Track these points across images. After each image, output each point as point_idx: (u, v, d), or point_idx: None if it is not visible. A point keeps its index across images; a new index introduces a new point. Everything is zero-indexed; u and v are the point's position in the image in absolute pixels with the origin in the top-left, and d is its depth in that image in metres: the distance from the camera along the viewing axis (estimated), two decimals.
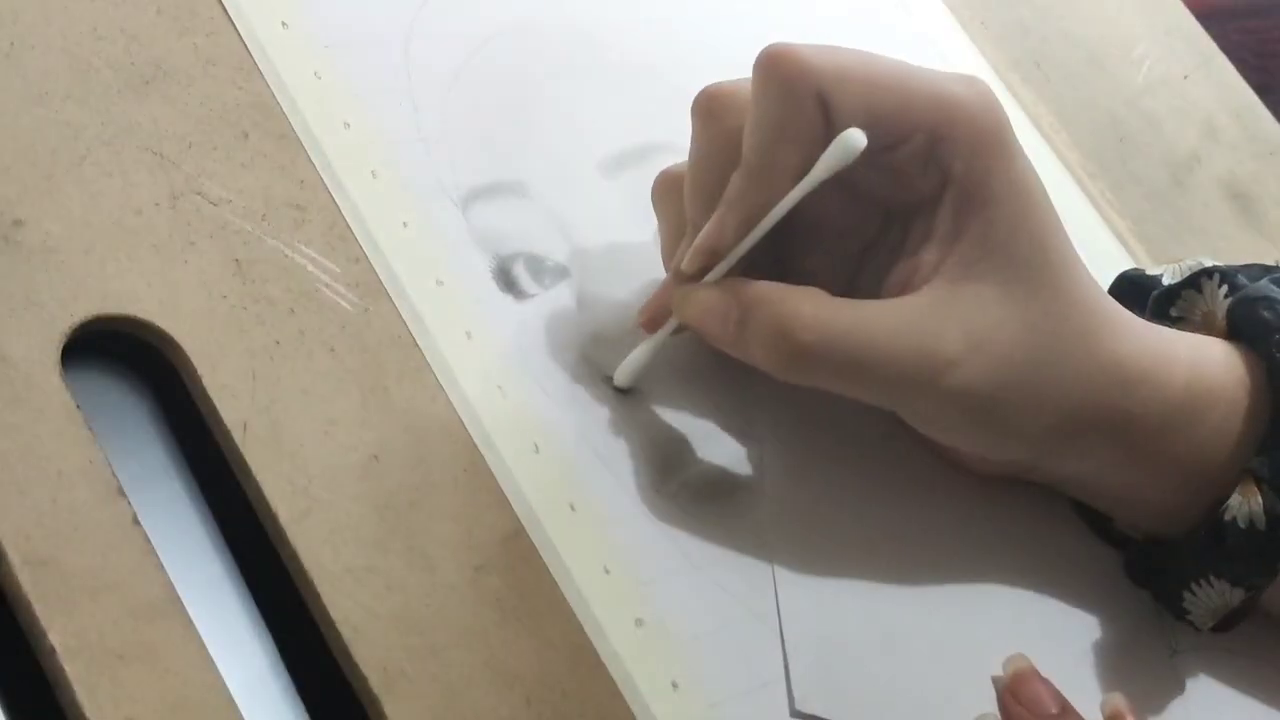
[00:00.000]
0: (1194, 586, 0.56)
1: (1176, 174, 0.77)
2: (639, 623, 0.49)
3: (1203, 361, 0.56)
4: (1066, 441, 0.54)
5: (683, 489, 0.53)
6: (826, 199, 0.52)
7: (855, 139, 0.50)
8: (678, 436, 0.54)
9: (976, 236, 0.52)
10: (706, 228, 0.52)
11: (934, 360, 0.51)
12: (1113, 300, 0.55)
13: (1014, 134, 0.53)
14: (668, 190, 0.55)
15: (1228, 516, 0.54)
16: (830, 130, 0.51)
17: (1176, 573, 0.56)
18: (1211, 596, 0.56)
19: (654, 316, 0.54)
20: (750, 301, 0.52)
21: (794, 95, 0.51)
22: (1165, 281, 0.60)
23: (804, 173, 0.51)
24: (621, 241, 0.57)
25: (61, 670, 0.42)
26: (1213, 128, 0.80)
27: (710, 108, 0.54)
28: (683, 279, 0.53)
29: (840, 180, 0.51)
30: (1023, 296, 0.52)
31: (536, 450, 0.51)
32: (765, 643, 0.51)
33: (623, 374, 0.54)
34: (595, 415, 0.53)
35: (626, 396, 0.54)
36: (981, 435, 0.54)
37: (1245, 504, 0.54)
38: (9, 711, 0.43)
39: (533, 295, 0.55)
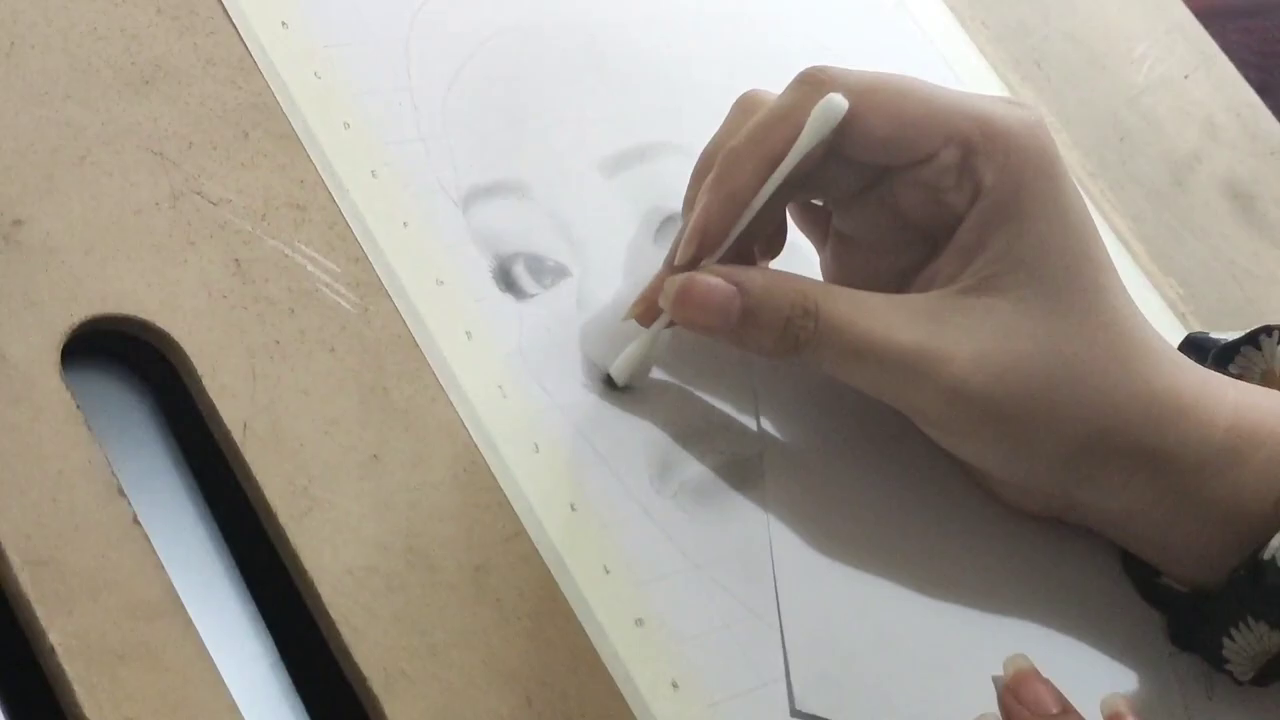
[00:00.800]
0: (1233, 631, 0.54)
1: (1177, 174, 0.77)
2: (639, 622, 0.49)
3: (1249, 405, 0.55)
4: (1094, 470, 0.53)
5: (683, 489, 0.53)
6: (865, 218, 0.52)
7: (837, 102, 0.51)
8: (678, 436, 0.54)
9: (999, 250, 0.52)
10: (695, 212, 0.52)
11: (931, 355, 0.51)
12: (1157, 334, 0.54)
13: (1060, 159, 0.53)
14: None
15: (1266, 555, 0.53)
16: (858, 142, 0.52)
17: (1216, 619, 0.55)
18: (1250, 641, 0.54)
19: (647, 309, 0.53)
20: (751, 288, 0.52)
21: (813, 92, 0.51)
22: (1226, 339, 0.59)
23: (769, 185, 0.52)
24: (622, 241, 0.57)
25: (61, 670, 0.42)
26: (1213, 127, 0.80)
27: (743, 102, 0.55)
28: (676, 270, 0.53)
29: (880, 200, 0.52)
30: (1042, 315, 0.52)
31: (536, 450, 0.51)
32: (765, 642, 0.51)
33: (619, 370, 0.53)
34: (595, 415, 0.53)
35: (626, 396, 0.54)
36: (995, 448, 0.53)
37: None
38: (9, 711, 0.43)
39: (533, 295, 0.55)
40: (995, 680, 0.52)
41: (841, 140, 0.52)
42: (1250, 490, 0.54)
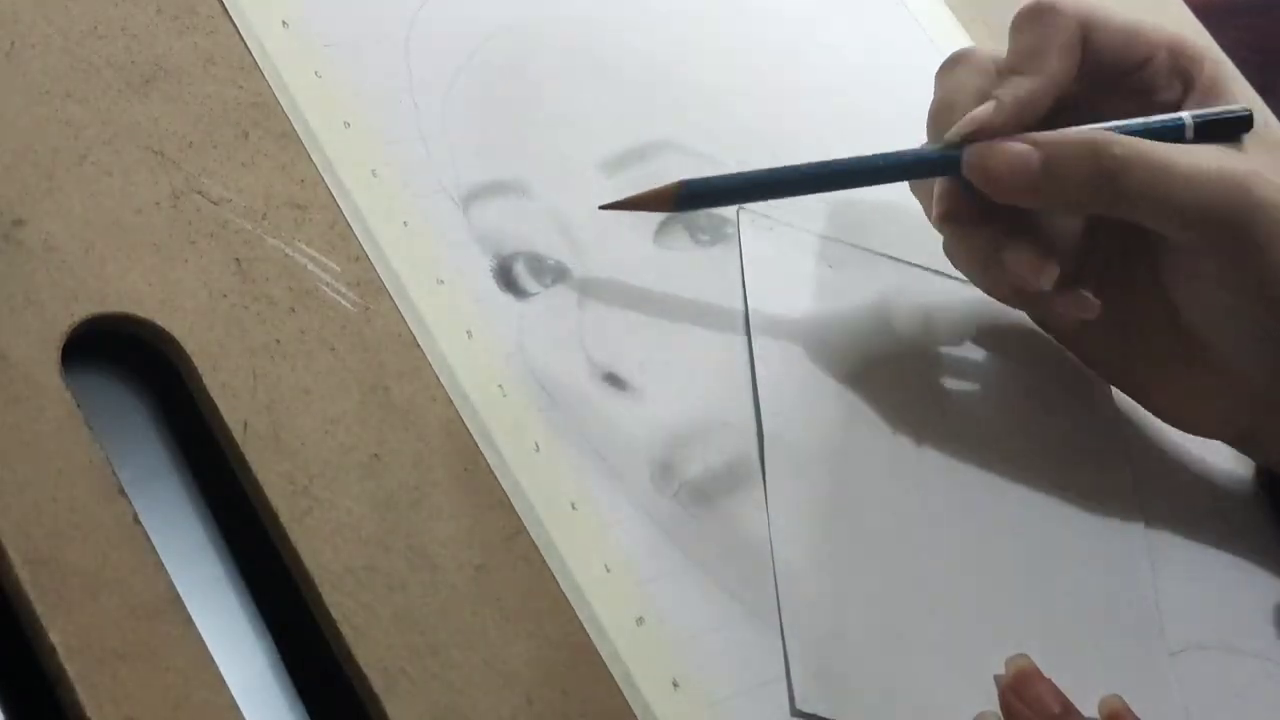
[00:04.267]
0: None
1: None
2: (640, 621, 0.49)
3: None
4: None
5: (683, 488, 0.53)
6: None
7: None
8: (678, 436, 0.54)
9: None
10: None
11: (1240, 172, 0.55)
12: None
13: None
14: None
15: None
16: (1092, 48, 0.57)
17: None
18: None
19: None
20: (1043, 140, 0.56)
21: (1061, 17, 0.57)
22: None
23: (1061, 88, 0.57)
24: (622, 241, 0.57)
25: (62, 669, 0.42)
26: None
27: (953, 59, 0.59)
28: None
29: (1097, 111, 0.57)
30: None
31: (537, 449, 0.51)
32: (766, 642, 0.51)
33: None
34: (596, 414, 0.53)
35: (627, 395, 0.54)
36: (1275, 286, 0.55)
37: None
38: (9, 711, 0.43)
39: (533, 294, 0.55)
40: (997, 679, 0.52)
41: (1085, 53, 0.57)
42: None
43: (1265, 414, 0.59)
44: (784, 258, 0.60)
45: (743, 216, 0.60)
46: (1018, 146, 0.56)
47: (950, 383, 0.61)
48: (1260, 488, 0.62)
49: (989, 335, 0.63)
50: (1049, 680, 0.53)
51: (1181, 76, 0.59)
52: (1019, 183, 0.55)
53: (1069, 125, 0.57)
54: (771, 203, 0.60)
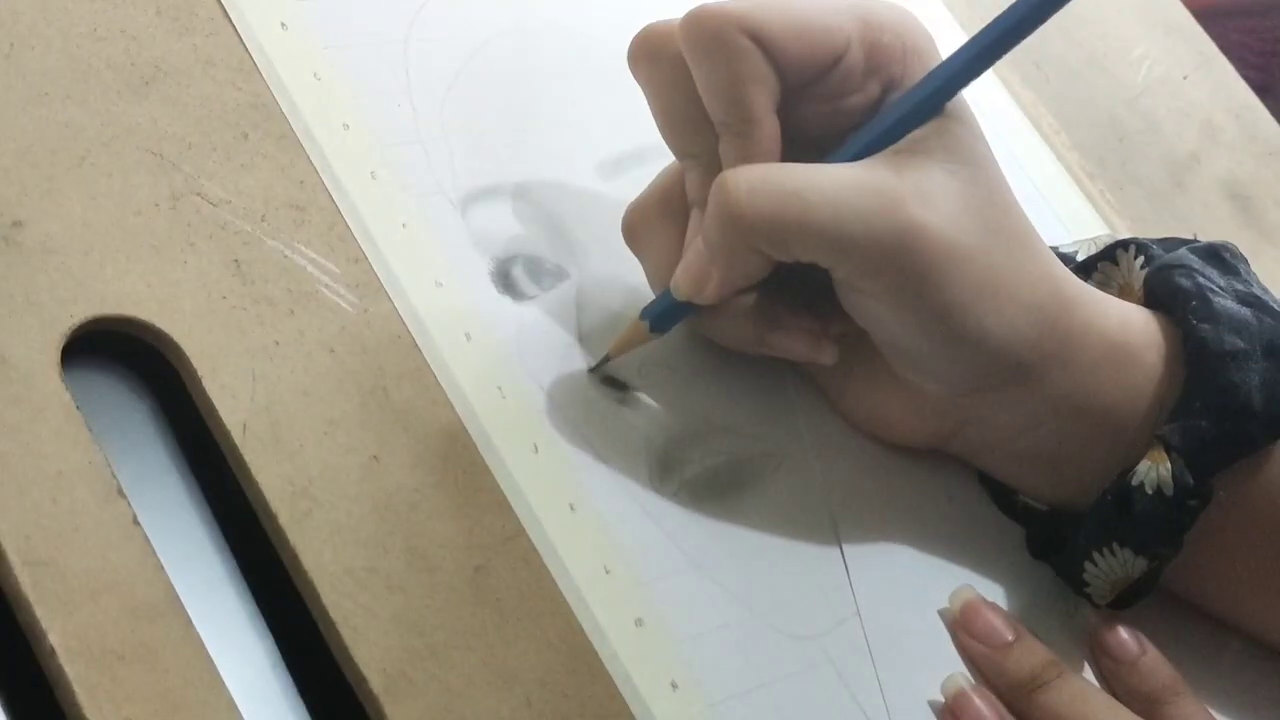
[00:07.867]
0: (1096, 556, 0.54)
1: (1176, 174, 0.77)
2: (639, 622, 0.49)
3: (1131, 310, 0.55)
4: (1019, 356, 0.52)
5: (683, 489, 0.53)
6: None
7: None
8: (678, 436, 0.54)
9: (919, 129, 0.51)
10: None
11: (887, 195, 0.49)
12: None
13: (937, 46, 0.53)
14: (638, 226, 0.55)
15: (1134, 481, 0.53)
16: (775, 61, 0.51)
17: (1080, 542, 0.55)
18: (1114, 566, 0.54)
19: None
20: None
21: (729, 41, 0.50)
22: (1080, 258, 0.59)
23: (775, 106, 0.51)
24: (620, 243, 0.57)
25: (61, 670, 0.42)
26: (1212, 128, 0.80)
27: (646, 50, 0.53)
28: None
29: (786, 129, 0.51)
30: (968, 178, 0.51)
31: (536, 450, 0.51)
32: (765, 642, 0.51)
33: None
34: (595, 415, 0.53)
35: (627, 395, 0.54)
36: (937, 316, 0.51)
37: (1154, 470, 0.53)
38: (9, 711, 0.43)
39: (531, 297, 0.55)
40: (942, 614, 0.51)
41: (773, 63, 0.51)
42: (1135, 401, 0.54)
43: (949, 425, 0.55)
44: None
45: None
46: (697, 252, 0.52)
47: None
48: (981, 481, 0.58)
49: None
50: (996, 606, 0.52)
51: (879, 75, 0.52)
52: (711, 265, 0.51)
53: None
54: None
